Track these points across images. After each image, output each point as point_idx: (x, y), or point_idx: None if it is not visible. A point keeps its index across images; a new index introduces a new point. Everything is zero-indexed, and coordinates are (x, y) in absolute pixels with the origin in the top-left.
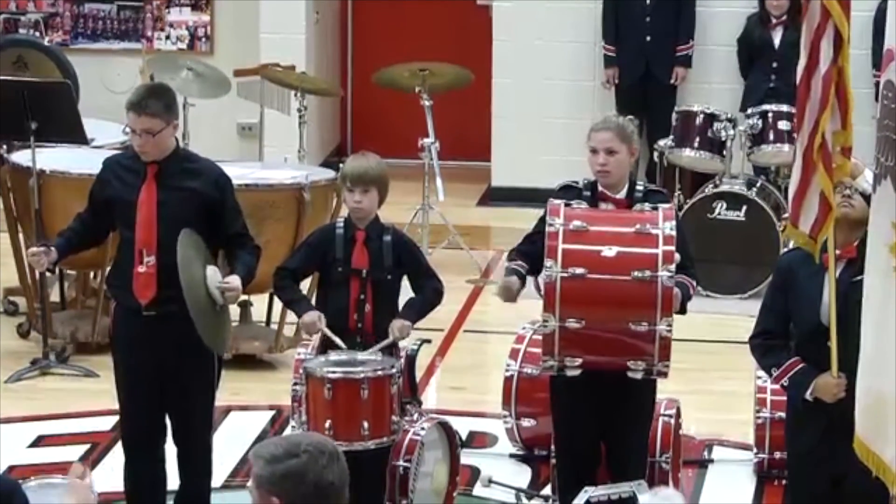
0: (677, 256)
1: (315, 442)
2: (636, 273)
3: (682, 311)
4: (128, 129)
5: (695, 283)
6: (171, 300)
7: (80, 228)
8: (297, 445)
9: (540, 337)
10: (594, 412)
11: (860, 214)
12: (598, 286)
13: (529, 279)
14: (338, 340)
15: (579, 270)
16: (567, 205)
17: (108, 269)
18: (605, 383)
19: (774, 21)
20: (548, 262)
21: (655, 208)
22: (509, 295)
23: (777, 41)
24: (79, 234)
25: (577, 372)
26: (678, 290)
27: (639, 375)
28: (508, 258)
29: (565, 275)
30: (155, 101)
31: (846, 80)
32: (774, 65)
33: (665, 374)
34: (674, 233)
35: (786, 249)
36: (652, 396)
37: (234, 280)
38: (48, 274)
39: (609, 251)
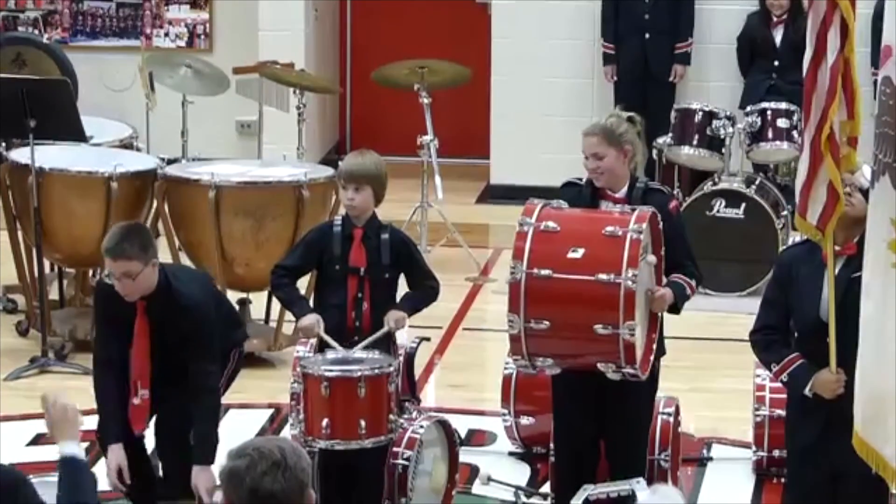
0: (651, 258)
1: (266, 448)
2: (601, 276)
3: (676, 310)
4: (108, 271)
5: (694, 283)
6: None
7: (114, 382)
8: (248, 447)
9: None
10: (593, 410)
11: (860, 212)
12: (563, 287)
13: None
14: (335, 345)
15: (545, 272)
16: (546, 205)
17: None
18: (604, 381)
19: (775, 20)
20: (513, 263)
21: (634, 209)
22: None
23: (778, 39)
24: (119, 389)
25: (555, 370)
26: (668, 290)
27: (616, 377)
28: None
29: (531, 274)
30: (129, 245)
31: (853, 70)
32: (776, 63)
33: (637, 377)
34: (641, 237)
35: (786, 245)
36: (651, 394)
37: (200, 479)
38: (47, 271)
39: (575, 253)
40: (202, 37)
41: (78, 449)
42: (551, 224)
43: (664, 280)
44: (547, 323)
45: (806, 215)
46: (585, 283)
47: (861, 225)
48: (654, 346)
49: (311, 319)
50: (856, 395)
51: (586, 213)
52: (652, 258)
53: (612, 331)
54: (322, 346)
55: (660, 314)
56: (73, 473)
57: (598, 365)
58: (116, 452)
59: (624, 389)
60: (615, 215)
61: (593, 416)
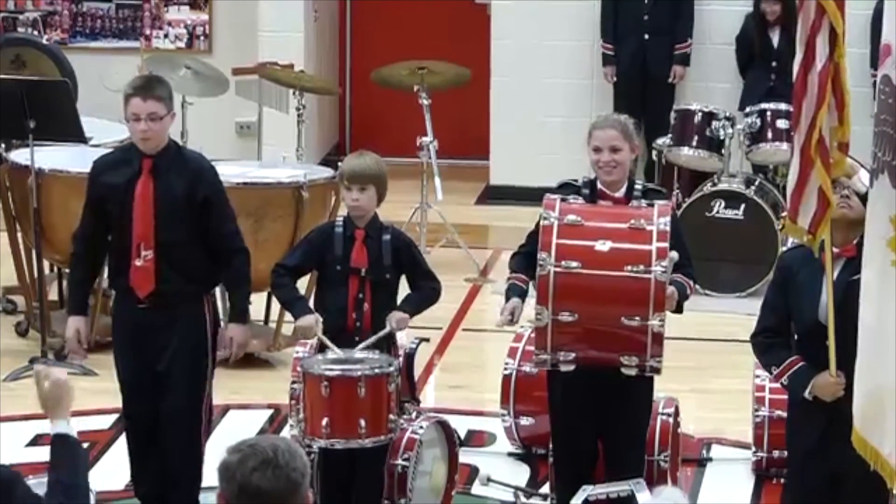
0: (674, 254)
1: (260, 445)
2: (629, 268)
3: (679, 310)
4: (130, 116)
5: (692, 283)
6: (170, 294)
7: (88, 257)
8: (243, 443)
9: None
10: (591, 410)
11: (858, 215)
12: (591, 281)
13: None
14: (333, 347)
15: (573, 264)
16: (563, 199)
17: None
18: (601, 381)
19: (771, 21)
20: (542, 255)
21: (651, 204)
22: (511, 320)
23: (776, 41)
24: (90, 265)
25: (570, 367)
26: (674, 289)
27: (632, 371)
28: (510, 267)
29: (559, 269)
30: (159, 87)
31: (842, 75)
32: (774, 64)
33: (658, 370)
34: (668, 228)
35: (786, 248)
36: (649, 394)
37: (236, 334)
38: (47, 272)
39: (603, 246)
40: (202, 38)
41: (69, 427)
42: (574, 217)
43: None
44: (575, 316)
45: (797, 219)
46: (614, 275)
47: (859, 227)
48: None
49: (310, 320)
50: (855, 392)
51: (606, 208)
52: (674, 254)
53: (640, 322)
54: (323, 343)
55: None
56: (63, 450)
57: (622, 359)
58: (76, 321)
59: (622, 389)
60: (637, 210)
61: (592, 415)
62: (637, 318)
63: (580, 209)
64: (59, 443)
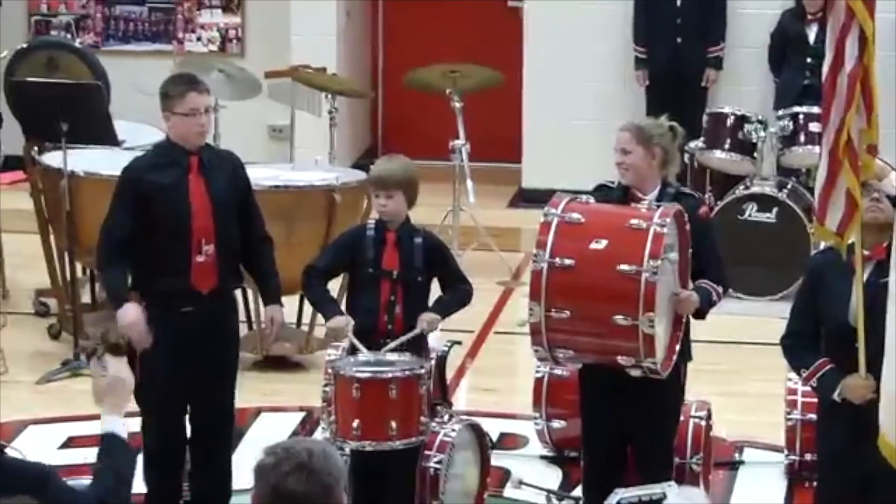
0: (673, 255)
1: (295, 448)
2: (621, 267)
3: (702, 315)
4: (187, 111)
5: (720, 289)
6: (226, 289)
7: (123, 257)
8: (278, 446)
9: None
10: (619, 412)
11: (888, 218)
12: (583, 278)
13: None
14: (363, 349)
15: (568, 261)
16: (572, 199)
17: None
18: (630, 383)
19: (810, 17)
20: (537, 252)
21: (660, 205)
22: None
23: (812, 37)
24: (126, 264)
25: (577, 364)
26: (691, 293)
27: (637, 373)
28: None
29: (553, 263)
30: (204, 82)
31: (871, 78)
32: (809, 61)
33: (656, 373)
34: (664, 230)
35: (816, 251)
36: (678, 397)
37: (276, 314)
38: (79, 274)
39: (598, 244)
40: (234, 41)
41: (121, 425)
42: (575, 216)
43: (691, 284)
44: (567, 313)
45: (825, 222)
46: (606, 273)
47: (889, 230)
48: (678, 348)
49: (341, 321)
50: (881, 395)
51: (612, 208)
52: (674, 255)
53: (630, 322)
54: (353, 349)
55: (685, 319)
56: (111, 447)
57: (619, 359)
58: (133, 308)
59: (649, 391)
60: (641, 210)
61: (619, 416)
62: (629, 317)
63: (585, 209)
64: (107, 439)
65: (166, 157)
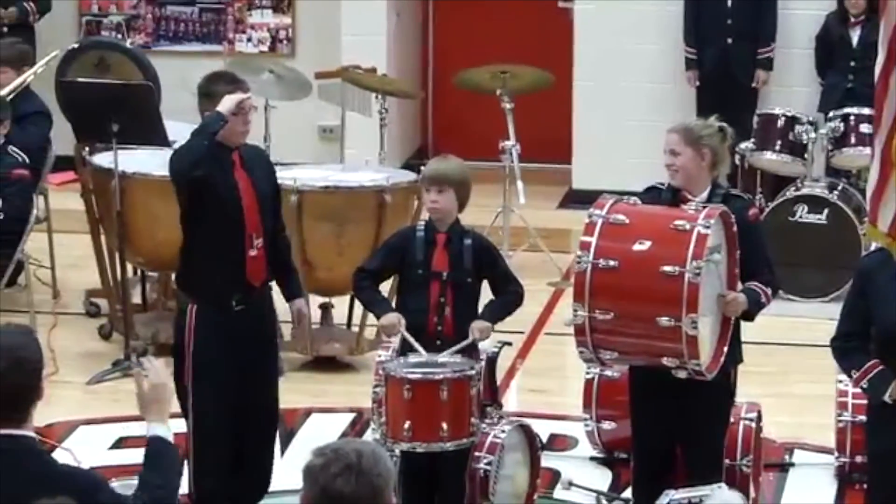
0: (717, 256)
1: (344, 450)
2: (665, 268)
3: (750, 317)
4: (237, 109)
5: (770, 291)
6: (267, 284)
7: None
8: (328, 447)
9: None
10: (668, 413)
11: None
12: (627, 279)
13: None
14: (416, 345)
15: (612, 262)
16: (618, 200)
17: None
18: (679, 384)
19: (853, 20)
20: (580, 253)
21: (706, 206)
22: None
23: (855, 40)
24: None
25: (623, 365)
26: (738, 294)
27: (682, 374)
28: None
29: (597, 265)
30: (245, 81)
31: None
32: (852, 64)
33: (702, 374)
34: (709, 231)
35: (866, 252)
36: (728, 399)
37: (303, 307)
38: (130, 275)
39: (641, 245)
40: (284, 42)
41: (165, 429)
42: (620, 217)
43: (739, 286)
44: (611, 314)
45: (877, 223)
46: (650, 275)
47: None
48: (725, 350)
49: (393, 318)
50: None
51: (657, 209)
52: (718, 256)
53: (674, 324)
54: (404, 349)
55: (734, 321)
56: (157, 453)
57: (664, 361)
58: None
59: (699, 392)
60: (686, 211)
61: (668, 417)
62: (672, 318)
63: (629, 210)
64: (153, 444)
65: (207, 151)
